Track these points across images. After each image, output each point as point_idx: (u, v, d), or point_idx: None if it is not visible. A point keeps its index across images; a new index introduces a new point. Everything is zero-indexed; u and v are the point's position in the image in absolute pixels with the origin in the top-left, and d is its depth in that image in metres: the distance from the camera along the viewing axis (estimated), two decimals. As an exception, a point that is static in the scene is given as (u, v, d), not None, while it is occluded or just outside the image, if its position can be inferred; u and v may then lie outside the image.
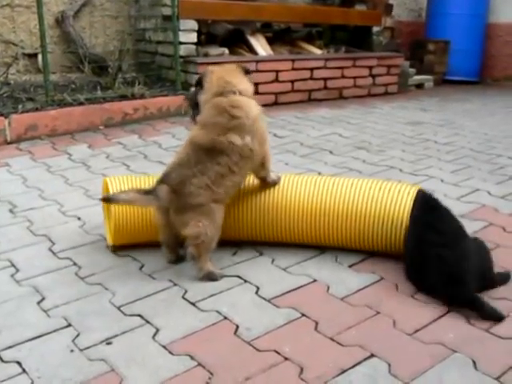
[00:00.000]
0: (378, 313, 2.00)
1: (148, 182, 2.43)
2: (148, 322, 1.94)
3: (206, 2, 5.79)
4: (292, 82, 6.13)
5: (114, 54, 5.65)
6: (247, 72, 2.37)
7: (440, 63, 7.92)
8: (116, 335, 1.85)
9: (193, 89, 2.67)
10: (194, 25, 5.64)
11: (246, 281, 2.23)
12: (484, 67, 8.61)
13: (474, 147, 4.37)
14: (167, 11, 5.50)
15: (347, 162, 3.86)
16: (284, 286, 2.18)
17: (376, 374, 1.66)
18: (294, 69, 6.11)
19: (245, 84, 2.31)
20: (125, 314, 1.98)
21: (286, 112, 5.62)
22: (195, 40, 5.68)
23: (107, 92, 5.09)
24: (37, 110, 4.53)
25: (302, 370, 1.68)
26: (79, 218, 2.83)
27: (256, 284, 2.20)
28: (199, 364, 1.71)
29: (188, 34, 5.60)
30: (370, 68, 6.78)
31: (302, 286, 2.19)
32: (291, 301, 2.08)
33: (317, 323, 1.93)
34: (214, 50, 5.85)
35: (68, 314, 1.97)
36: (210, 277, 2.23)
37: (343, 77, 6.51)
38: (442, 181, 3.49)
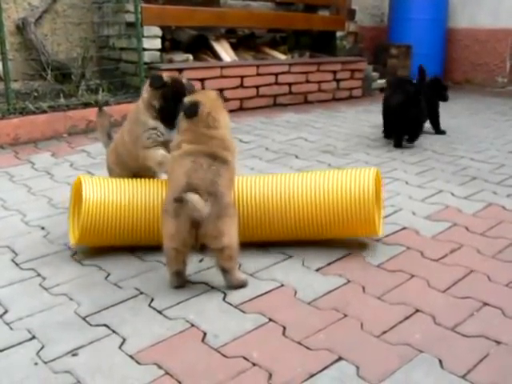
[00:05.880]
0: (346, 315, 2.01)
1: (123, 185, 2.46)
2: (114, 331, 1.91)
3: (170, 9, 5.75)
4: (257, 87, 6.15)
5: (77, 61, 5.57)
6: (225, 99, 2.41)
7: (403, 67, 8.01)
8: (82, 346, 1.82)
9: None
10: (157, 31, 5.58)
11: (212, 287, 2.21)
12: (445, 71, 8.76)
13: (437, 149, 4.44)
14: (131, 18, 5.44)
15: (313, 165, 3.88)
16: (251, 292, 2.17)
17: (344, 377, 1.67)
18: (258, 74, 6.14)
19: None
20: (90, 325, 1.95)
21: (251, 117, 5.63)
22: (159, 46, 5.63)
23: (71, 99, 5.02)
24: (-2, 118, 4.46)
25: (270, 375, 1.68)
26: (43, 228, 2.79)
27: (223, 290, 2.18)
28: (167, 373, 1.69)
29: (152, 41, 5.55)
30: (334, 72, 6.85)
31: (269, 291, 2.18)
32: (258, 306, 2.07)
33: (284, 328, 1.93)
34: (179, 56, 5.81)
35: (32, 326, 1.93)
36: (243, 285, 2.20)
37: (308, 81, 6.56)
38: (406, 183, 3.53)
